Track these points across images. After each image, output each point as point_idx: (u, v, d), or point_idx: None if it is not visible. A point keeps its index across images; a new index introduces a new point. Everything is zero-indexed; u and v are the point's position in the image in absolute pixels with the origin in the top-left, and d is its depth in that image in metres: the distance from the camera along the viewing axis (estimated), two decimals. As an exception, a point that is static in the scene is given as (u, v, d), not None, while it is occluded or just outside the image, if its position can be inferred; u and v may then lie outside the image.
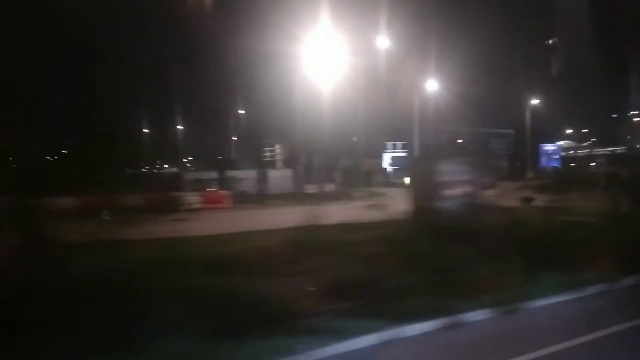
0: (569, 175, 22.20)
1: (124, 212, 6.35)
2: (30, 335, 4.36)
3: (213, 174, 27.86)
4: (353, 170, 30.69)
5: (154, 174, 10.73)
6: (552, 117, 48.24)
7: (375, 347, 5.10)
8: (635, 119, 50.98)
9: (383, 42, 28.01)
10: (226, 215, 17.53)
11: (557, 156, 48.86)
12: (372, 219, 10.05)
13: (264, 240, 9.82)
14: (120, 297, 4.96)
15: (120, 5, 21.92)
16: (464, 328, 5.76)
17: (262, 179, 30.54)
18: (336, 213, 11.29)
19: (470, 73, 39.13)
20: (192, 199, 18.98)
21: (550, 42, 55.80)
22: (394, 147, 45.80)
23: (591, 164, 39.35)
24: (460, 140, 52.71)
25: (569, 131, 55.33)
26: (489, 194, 9.73)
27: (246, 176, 29.57)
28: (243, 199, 22.44)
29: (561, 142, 53.22)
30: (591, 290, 7.15)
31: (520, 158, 45.41)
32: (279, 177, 31.22)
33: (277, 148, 45.32)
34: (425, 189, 9.31)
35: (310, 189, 27.23)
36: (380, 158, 43.41)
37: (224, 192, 22.33)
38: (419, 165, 11.70)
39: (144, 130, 27.42)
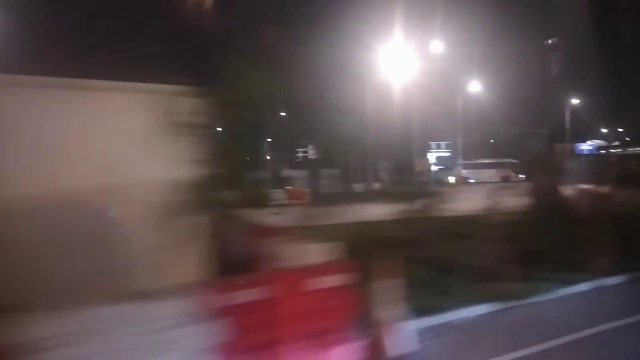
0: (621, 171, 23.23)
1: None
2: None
3: (290, 172, 29.42)
4: (407, 169, 31.80)
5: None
6: (587, 116, 48.92)
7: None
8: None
9: (437, 46, 29.31)
10: (319, 210, 18.69)
11: (591, 155, 49.54)
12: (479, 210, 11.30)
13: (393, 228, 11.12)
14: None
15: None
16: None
17: (314, 179, 31.84)
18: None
19: (510, 73, 40.17)
20: (278, 195, 20.40)
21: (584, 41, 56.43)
22: (438, 147, 46.99)
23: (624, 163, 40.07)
24: (492, 140, 53.57)
25: (604, 130, 55.87)
26: (599, 187, 11.06)
27: (299, 175, 30.97)
28: (315, 196, 23.73)
29: (595, 142, 53.80)
30: None
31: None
32: (326, 177, 32.51)
33: (310, 149, 46.52)
34: (546, 182, 10.62)
35: (358, 188, 28.48)
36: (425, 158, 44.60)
37: (303, 189, 23.78)
38: (541, 160, 13.00)
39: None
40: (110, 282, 4.56)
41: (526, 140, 55.40)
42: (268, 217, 8.28)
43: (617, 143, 53.87)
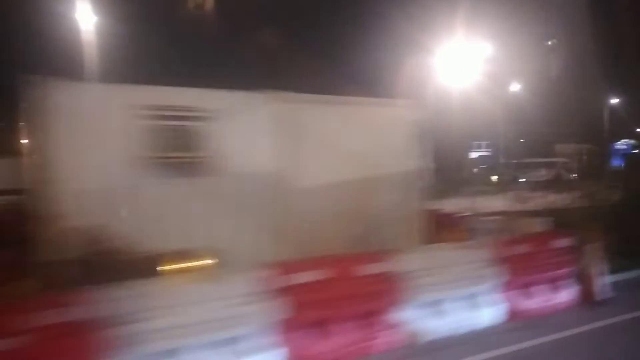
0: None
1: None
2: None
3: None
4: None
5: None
6: (623, 116, 49.83)
7: None
8: None
9: (485, 49, 30.83)
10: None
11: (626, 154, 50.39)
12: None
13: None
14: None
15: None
16: None
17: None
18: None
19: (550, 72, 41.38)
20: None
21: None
22: (479, 146, 48.31)
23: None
24: (523, 140, 54.55)
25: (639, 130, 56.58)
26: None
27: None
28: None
29: (630, 141, 54.58)
30: None
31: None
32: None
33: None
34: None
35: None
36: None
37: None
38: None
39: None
40: (364, 244, 6.61)
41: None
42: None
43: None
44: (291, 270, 4.77)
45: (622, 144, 52.95)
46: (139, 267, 5.08)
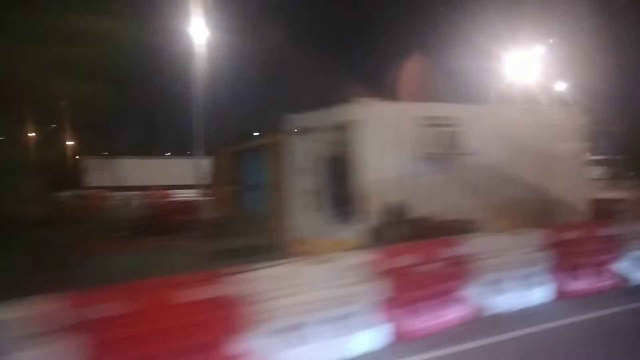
0: None
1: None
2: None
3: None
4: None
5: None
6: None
7: None
8: None
9: (539, 51, 30.84)
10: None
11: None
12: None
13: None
14: None
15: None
16: None
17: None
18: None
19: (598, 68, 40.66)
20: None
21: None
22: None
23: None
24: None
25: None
26: None
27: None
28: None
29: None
30: None
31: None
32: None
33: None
34: None
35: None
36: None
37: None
38: None
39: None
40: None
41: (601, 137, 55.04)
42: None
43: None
44: (393, 255, 5.55)
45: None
46: (433, 230, 7.37)
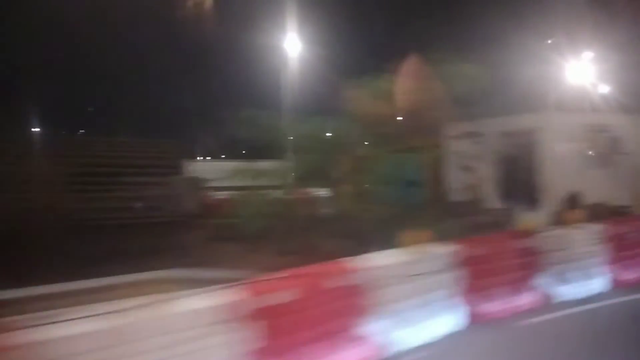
0: None
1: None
2: None
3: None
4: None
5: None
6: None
7: None
8: None
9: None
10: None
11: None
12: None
13: None
14: None
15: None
16: None
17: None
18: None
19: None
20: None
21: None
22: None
23: None
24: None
25: None
26: None
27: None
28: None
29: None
30: None
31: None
32: None
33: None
34: None
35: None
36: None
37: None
38: None
39: None
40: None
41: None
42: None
43: None
44: (472, 246, 5.98)
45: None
46: (606, 213, 9.28)
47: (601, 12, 16.38)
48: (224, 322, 4.03)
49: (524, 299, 6.35)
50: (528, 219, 9.05)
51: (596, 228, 7.37)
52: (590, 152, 11.55)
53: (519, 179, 11.55)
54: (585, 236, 7.22)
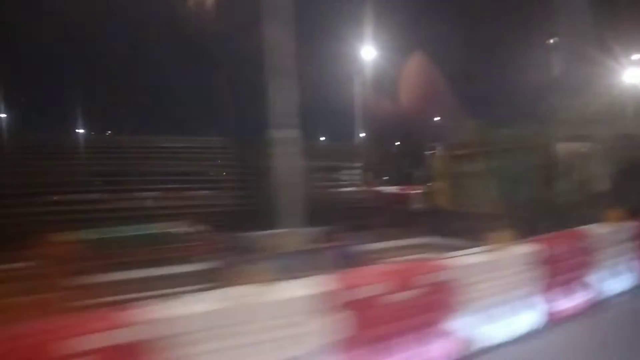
0: None
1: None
2: None
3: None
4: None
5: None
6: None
7: None
8: None
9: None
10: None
11: None
12: None
13: None
14: None
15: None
16: None
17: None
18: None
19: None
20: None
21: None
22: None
23: None
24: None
25: None
26: None
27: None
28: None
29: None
30: None
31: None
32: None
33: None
34: None
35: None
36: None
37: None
38: None
39: None
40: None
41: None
42: None
43: None
44: (552, 244, 6.19)
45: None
46: None
47: None
48: (319, 311, 4.24)
49: (584, 297, 6.61)
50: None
51: (631, 225, 7.78)
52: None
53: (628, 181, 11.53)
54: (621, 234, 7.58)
